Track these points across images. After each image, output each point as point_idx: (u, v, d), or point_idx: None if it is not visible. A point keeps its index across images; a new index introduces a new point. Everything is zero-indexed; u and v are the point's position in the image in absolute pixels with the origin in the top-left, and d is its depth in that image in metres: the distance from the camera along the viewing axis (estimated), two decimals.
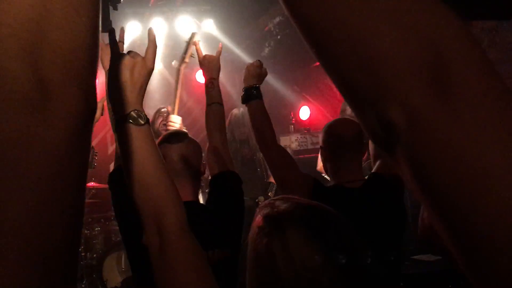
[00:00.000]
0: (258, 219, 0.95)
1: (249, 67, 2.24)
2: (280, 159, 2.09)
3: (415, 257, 4.25)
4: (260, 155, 4.56)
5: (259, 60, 2.28)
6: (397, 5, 0.37)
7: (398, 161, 0.39)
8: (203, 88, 2.09)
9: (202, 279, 0.90)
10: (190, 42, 2.59)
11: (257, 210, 0.98)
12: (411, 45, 0.36)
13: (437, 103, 0.35)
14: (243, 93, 2.19)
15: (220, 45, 2.28)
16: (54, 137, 0.39)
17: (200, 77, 6.36)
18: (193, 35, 2.59)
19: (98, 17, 0.46)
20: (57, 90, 0.40)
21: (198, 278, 0.90)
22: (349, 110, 4.44)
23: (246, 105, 2.18)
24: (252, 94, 2.15)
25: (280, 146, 2.21)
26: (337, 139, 2.11)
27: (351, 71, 0.39)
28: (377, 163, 2.20)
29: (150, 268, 0.95)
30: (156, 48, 1.11)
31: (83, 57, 0.43)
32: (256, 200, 4.34)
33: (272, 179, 4.53)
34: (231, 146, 4.38)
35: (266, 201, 1.00)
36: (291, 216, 0.91)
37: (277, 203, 0.97)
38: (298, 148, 6.22)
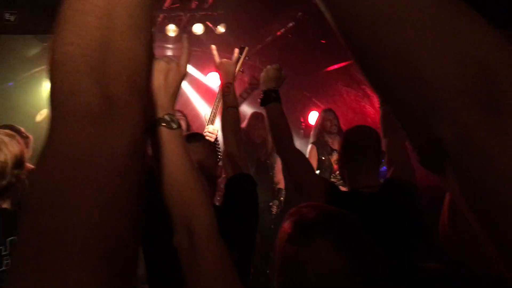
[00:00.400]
0: (287, 226, 0.97)
1: (268, 70, 2.24)
2: (298, 163, 2.09)
3: (422, 264, 4.23)
4: (273, 159, 4.52)
5: (278, 64, 2.28)
6: (448, 26, 0.38)
7: (445, 177, 0.40)
8: (212, 91, 2.10)
9: (230, 282, 0.91)
10: (241, 57, 2.56)
11: (285, 217, 1.00)
12: (462, 65, 0.37)
13: (489, 122, 0.36)
14: (262, 95, 2.19)
15: (236, 51, 2.30)
16: (120, 145, 0.43)
17: (209, 80, 6.40)
18: (243, 49, 2.57)
19: (152, 36, 0.51)
20: (121, 103, 0.45)
21: (226, 281, 0.91)
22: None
23: (264, 108, 2.19)
24: (271, 96, 2.15)
25: (298, 149, 2.20)
26: (355, 145, 2.12)
27: (400, 88, 0.40)
28: (391, 170, 2.19)
29: (169, 269, 0.94)
30: (190, 54, 1.13)
31: (142, 73, 0.48)
32: (271, 204, 4.32)
33: (281, 185, 4.51)
34: (246, 149, 4.34)
35: (294, 209, 1.02)
36: (321, 225, 0.94)
37: (305, 210, 0.99)
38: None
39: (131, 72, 0.46)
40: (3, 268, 1.69)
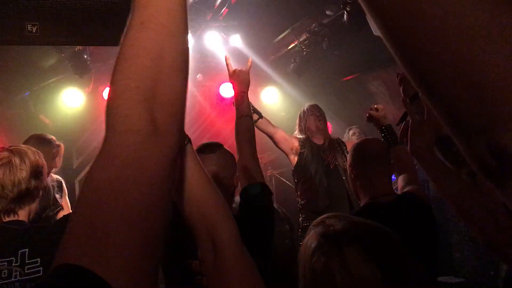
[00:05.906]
0: (312, 237, 0.96)
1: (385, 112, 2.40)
2: None
3: (437, 278, 4.18)
4: (341, 163, 3.96)
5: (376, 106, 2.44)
6: (509, 31, 0.37)
7: (504, 184, 0.40)
8: (227, 102, 2.12)
9: None
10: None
11: (310, 227, 0.99)
12: None
13: None
14: (386, 132, 2.33)
15: (250, 60, 2.32)
16: (162, 158, 0.57)
17: (224, 91, 6.44)
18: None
19: (188, 74, 0.66)
20: (164, 127, 0.58)
21: None
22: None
23: (392, 148, 2.27)
24: (392, 138, 2.30)
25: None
26: (364, 155, 2.14)
27: (461, 98, 0.39)
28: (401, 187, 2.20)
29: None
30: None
31: (180, 104, 0.63)
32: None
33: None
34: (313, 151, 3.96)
35: (318, 219, 1.02)
36: (348, 235, 0.93)
37: (330, 221, 0.98)
38: None
39: (171, 103, 0.61)
40: (12, 279, 1.66)
